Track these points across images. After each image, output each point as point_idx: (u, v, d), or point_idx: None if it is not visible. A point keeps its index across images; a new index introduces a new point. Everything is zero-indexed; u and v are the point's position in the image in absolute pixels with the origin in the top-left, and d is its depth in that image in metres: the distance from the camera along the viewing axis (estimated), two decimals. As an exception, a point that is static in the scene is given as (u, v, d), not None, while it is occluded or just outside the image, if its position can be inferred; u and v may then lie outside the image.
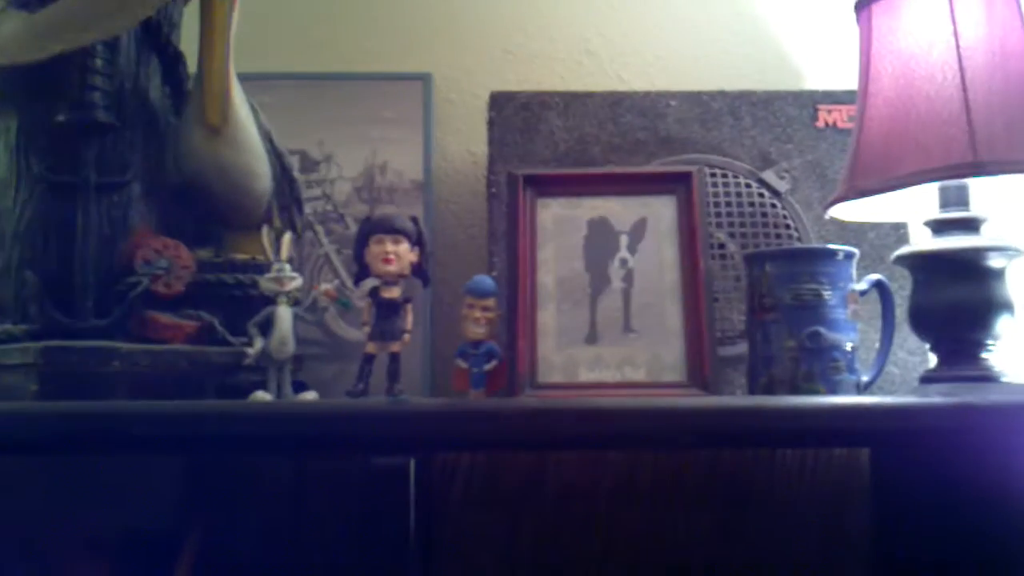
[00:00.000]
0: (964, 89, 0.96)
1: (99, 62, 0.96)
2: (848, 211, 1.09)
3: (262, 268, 1.01)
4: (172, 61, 1.06)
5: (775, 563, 0.84)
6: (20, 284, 0.94)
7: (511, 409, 0.87)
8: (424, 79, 1.39)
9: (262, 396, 0.93)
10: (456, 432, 0.85)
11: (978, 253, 0.96)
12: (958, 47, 0.98)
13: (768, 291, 0.99)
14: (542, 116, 1.30)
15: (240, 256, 1.05)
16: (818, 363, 0.96)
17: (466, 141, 1.42)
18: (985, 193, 1.05)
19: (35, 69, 0.93)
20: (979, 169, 0.93)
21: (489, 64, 1.44)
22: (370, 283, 0.98)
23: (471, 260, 1.33)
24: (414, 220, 1.00)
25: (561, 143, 1.29)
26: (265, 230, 1.01)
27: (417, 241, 0.99)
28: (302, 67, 1.40)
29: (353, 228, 1.30)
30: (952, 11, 1.00)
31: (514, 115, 1.30)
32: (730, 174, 1.26)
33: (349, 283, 1.17)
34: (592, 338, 1.01)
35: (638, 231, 1.06)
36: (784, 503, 0.84)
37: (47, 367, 0.89)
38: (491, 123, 1.29)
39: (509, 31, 1.45)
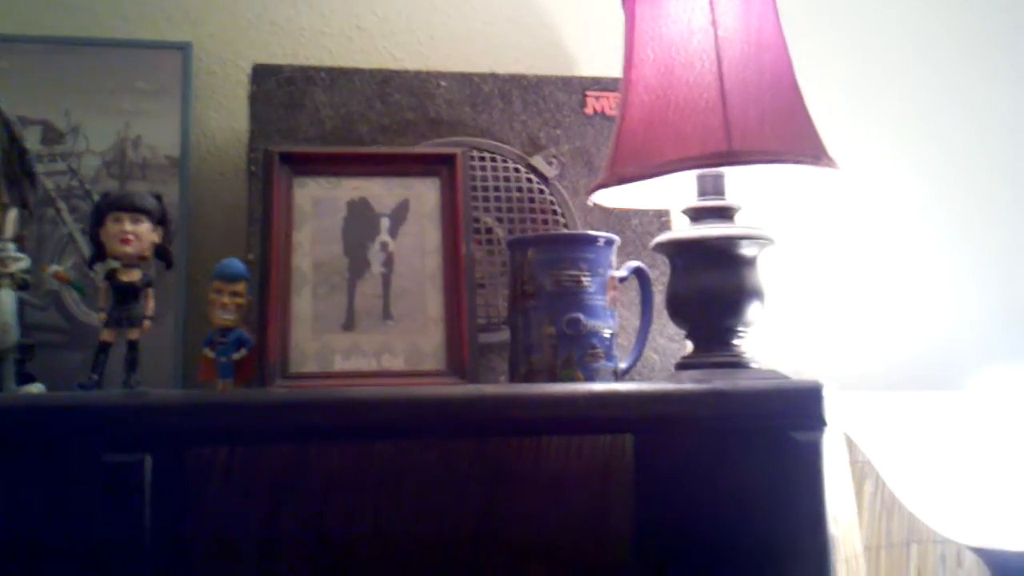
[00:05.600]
0: (721, 79, 0.98)
1: None
2: (611, 198, 1.09)
3: (-19, 247, 0.91)
4: None
5: (540, 542, 0.83)
6: None
7: (257, 401, 0.82)
8: (183, 48, 1.30)
9: (-23, 388, 0.84)
10: (199, 426, 0.80)
11: (731, 241, 0.97)
12: (716, 37, 0.99)
13: (529, 277, 0.97)
14: (307, 91, 1.24)
15: (-45, 234, 0.94)
16: (577, 350, 0.96)
17: (228, 116, 1.34)
18: (741, 182, 1.07)
19: None
20: (733, 158, 0.95)
21: (254, 36, 1.37)
22: (107, 265, 0.90)
23: (230, 242, 1.26)
24: (157, 197, 0.93)
25: (327, 120, 1.23)
26: (-6, 205, 0.92)
27: (160, 220, 0.93)
28: (49, 30, 1.28)
29: (82, 206, 1.20)
30: (711, 1, 1.01)
31: (277, 89, 1.23)
32: (499, 158, 1.24)
33: (76, 265, 1.09)
34: (349, 325, 0.97)
35: (400, 214, 1.02)
36: (551, 487, 0.83)
37: None
38: (253, 97, 1.23)
39: (276, 2, 1.38)
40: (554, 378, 0.95)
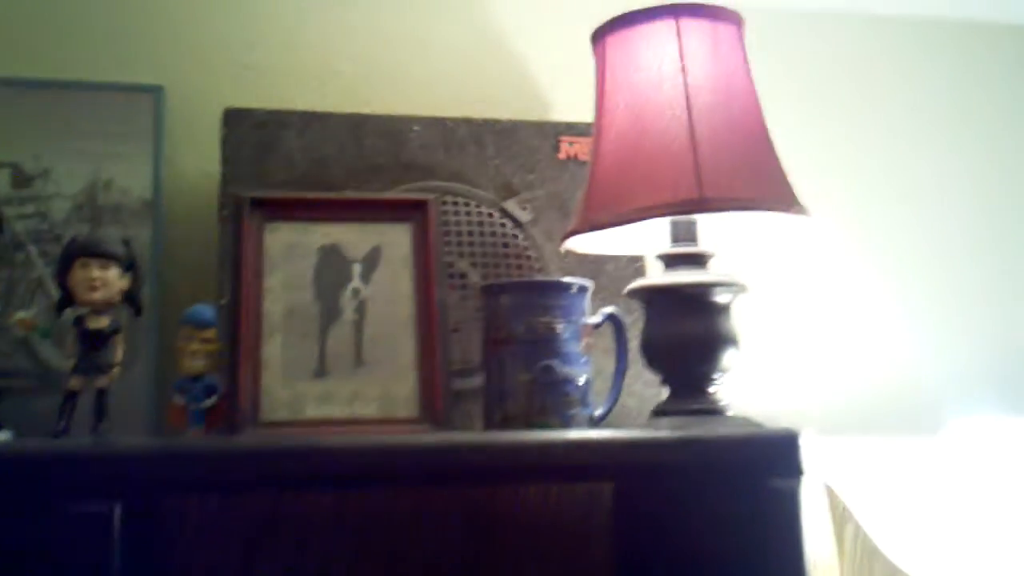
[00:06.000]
0: (691, 126, 0.98)
1: None
2: (584, 243, 1.09)
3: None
4: None
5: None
6: None
7: (228, 449, 0.81)
8: (155, 92, 1.30)
9: (-61, 438, 0.82)
10: (169, 474, 0.78)
11: (705, 288, 0.97)
12: (686, 85, 1.00)
13: (503, 323, 0.97)
14: (279, 135, 1.24)
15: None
16: (551, 397, 0.95)
17: (201, 159, 1.32)
18: (714, 229, 1.08)
19: None
20: (705, 205, 0.95)
21: (226, 79, 1.36)
22: (74, 312, 0.89)
23: (203, 286, 1.25)
24: (126, 243, 0.92)
25: (299, 164, 1.23)
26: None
27: (129, 266, 0.92)
28: (17, 71, 1.27)
29: (52, 250, 1.18)
30: (680, 49, 1.02)
31: (249, 133, 1.23)
32: (472, 203, 1.24)
33: (42, 311, 1.07)
34: (321, 372, 0.96)
35: (372, 260, 1.02)
36: (528, 535, 0.82)
37: None
38: (224, 141, 1.22)
39: (248, 46, 1.37)
40: (529, 425, 0.95)
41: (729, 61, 1.02)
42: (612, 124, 1.04)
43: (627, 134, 1.01)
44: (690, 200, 0.95)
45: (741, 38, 1.06)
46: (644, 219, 0.97)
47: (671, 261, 1.01)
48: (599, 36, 1.08)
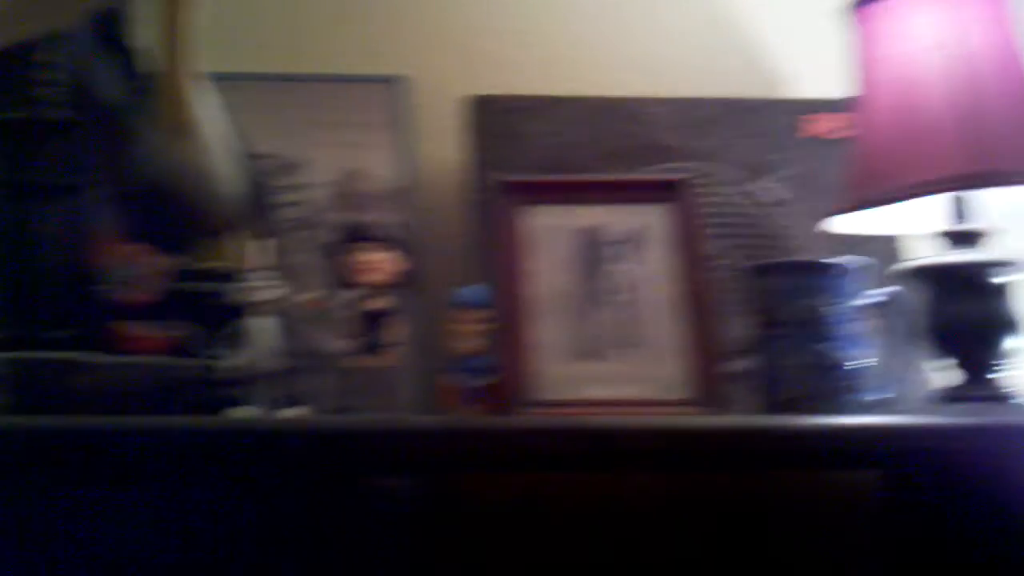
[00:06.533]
0: (972, 96, 0.93)
1: (46, 57, 0.90)
2: (847, 223, 1.05)
3: (237, 277, 0.95)
4: (130, 57, 1.00)
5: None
6: (-19, 293, 0.87)
7: (514, 428, 0.82)
8: (400, 82, 1.34)
9: (242, 412, 0.87)
10: (452, 451, 0.80)
11: (992, 268, 0.93)
12: (963, 52, 0.95)
13: (775, 306, 0.95)
14: (524, 121, 1.25)
15: (212, 264, 0.98)
16: (824, 381, 0.92)
17: (446, 147, 1.36)
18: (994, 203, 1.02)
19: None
20: (993, 179, 0.91)
21: (467, 67, 1.39)
22: (352, 293, 0.93)
23: (449, 271, 1.28)
24: (400, 227, 0.95)
25: (543, 150, 1.24)
26: (240, 237, 0.95)
27: (403, 249, 0.94)
28: (273, 67, 1.34)
29: (328, 236, 1.24)
30: (954, 15, 0.97)
31: (495, 120, 1.25)
32: (719, 183, 1.22)
33: (323, 293, 1.11)
34: (587, 353, 0.96)
35: (632, 241, 1.01)
36: (791, 525, 0.81)
37: (15, 379, 0.83)
38: (471, 128, 1.24)
39: (488, 34, 1.40)
40: (801, 410, 0.92)
41: (1009, 25, 0.97)
42: (878, 98, 1.00)
43: (897, 107, 0.97)
44: (977, 173, 0.90)
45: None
46: (923, 195, 0.93)
47: (954, 239, 0.96)
48: (860, 6, 1.04)
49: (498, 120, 1.25)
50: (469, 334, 0.93)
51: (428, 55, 1.39)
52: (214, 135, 0.98)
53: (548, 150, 1.23)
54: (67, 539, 0.81)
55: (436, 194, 1.33)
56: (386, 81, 1.33)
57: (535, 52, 1.40)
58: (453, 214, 1.30)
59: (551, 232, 1.01)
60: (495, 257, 1.00)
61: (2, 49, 0.84)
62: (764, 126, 1.27)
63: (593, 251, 1.01)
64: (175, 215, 0.97)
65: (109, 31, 0.95)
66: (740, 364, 1.08)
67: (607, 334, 0.97)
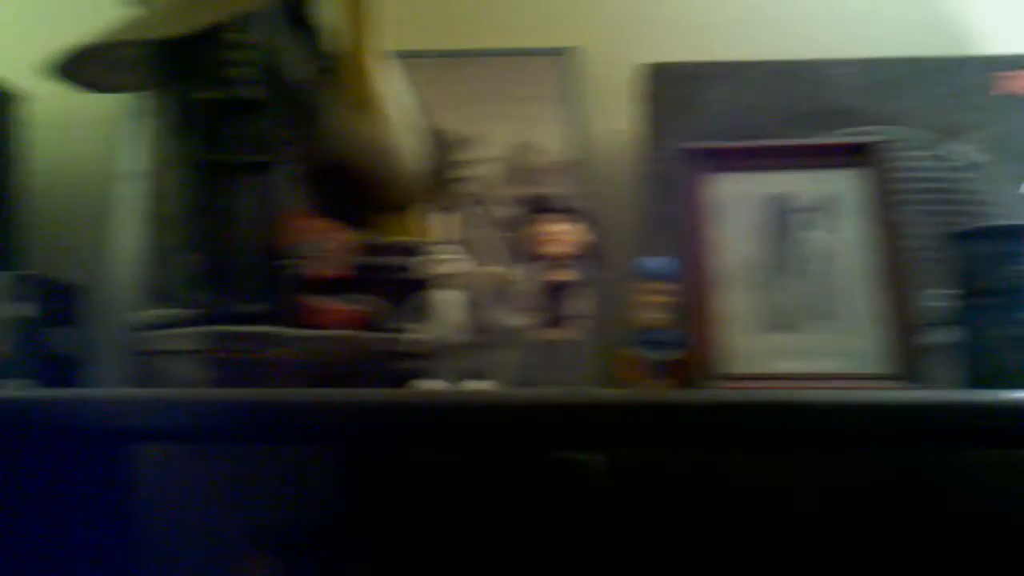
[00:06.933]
0: None
1: (243, 36, 0.92)
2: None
3: (421, 251, 0.96)
4: (315, 36, 1.02)
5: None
6: (181, 268, 0.90)
7: (705, 402, 0.80)
8: (568, 53, 1.33)
9: (428, 385, 0.88)
10: (640, 425, 0.79)
11: None
12: None
13: (978, 273, 0.89)
14: (701, 88, 1.21)
15: (398, 239, 1.00)
16: (1036, 353, 0.87)
17: (616, 118, 1.34)
18: None
19: (182, 45, 0.89)
20: None
21: (636, 36, 1.37)
22: (535, 266, 0.92)
23: (623, 242, 1.26)
24: (582, 198, 0.94)
25: (722, 116, 1.20)
26: (425, 211, 0.96)
27: (586, 221, 0.93)
28: (442, 44, 1.34)
29: (500, 210, 1.24)
30: None
31: (669, 88, 1.22)
32: (908, 147, 1.16)
33: (505, 266, 1.11)
34: (779, 325, 0.93)
35: (823, 208, 0.97)
36: (980, 504, 0.76)
37: (213, 353, 0.86)
38: (646, 96, 1.21)
39: (659, 2, 1.37)
40: (1013, 385, 0.86)
41: None
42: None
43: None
44: None
45: None
46: None
47: None
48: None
49: (674, 88, 1.22)
50: (653, 306, 0.91)
51: (599, 25, 1.37)
52: (398, 111, 0.99)
53: (727, 117, 1.20)
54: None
55: (610, 165, 1.31)
56: (557, 53, 1.33)
57: (709, 17, 1.37)
58: (627, 185, 1.28)
59: (737, 200, 0.98)
60: (680, 227, 0.98)
61: (199, 31, 0.86)
62: (955, 85, 1.20)
63: (781, 219, 0.97)
64: (361, 190, 0.99)
65: (296, 10, 0.97)
66: (939, 336, 1.02)
67: (799, 305, 0.93)
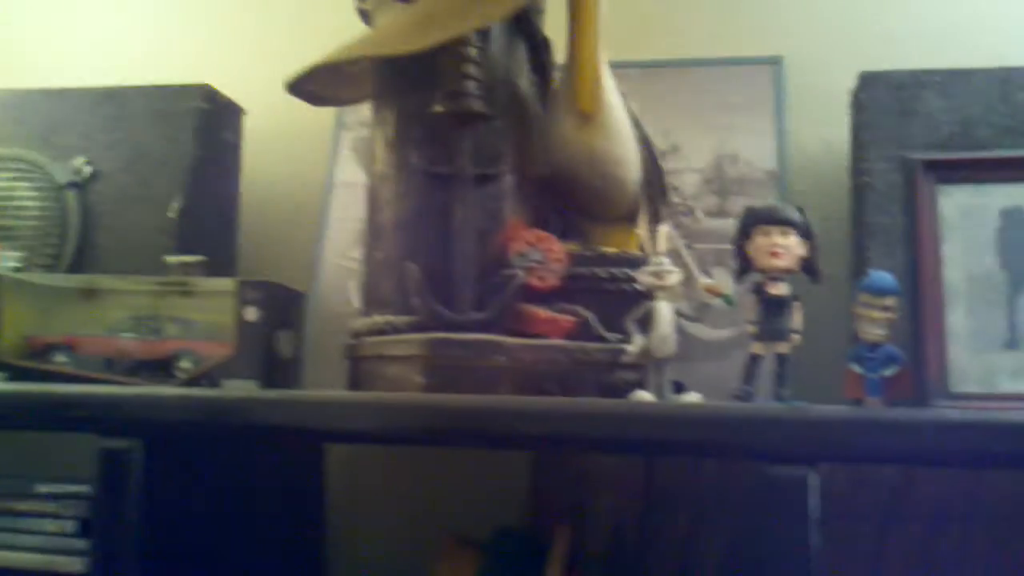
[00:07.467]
0: None
1: (474, 51, 0.94)
2: None
3: (635, 262, 0.96)
4: (539, 49, 1.04)
5: None
6: (401, 275, 0.93)
7: (927, 421, 0.77)
8: (775, 63, 1.31)
9: (644, 396, 0.88)
10: (857, 443, 0.77)
11: None
12: None
13: None
14: (918, 97, 1.17)
15: (611, 249, 1.00)
16: None
17: (821, 128, 1.31)
18: None
19: (411, 60, 0.92)
20: None
21: (845, 45, 1.33)
22: (753, 278, 0.90)
23: (832, 255, 1.22)
24: (801, 211, 0.92)
25: (942, 126, 1.15)
26: (642, 222, 0.96)
27: (805, 233, 0.91)
28: (644, 55, 1.34)
29: (703, 221, 1.23)
30: None
31: (885, 97, 1.17)
32: None
33: (705, 279, 1.11)
34: (1013, 343, 0.89)
35: (1061, 222, 0.92)
36: None
37: (432, 360, 0.88)
38: (860, 106, 1.18)
39: (870, 11, 1.33)
40: None
41: None
42: None
43: None
44: None
45: None
46: None
47: None
48: None
49: (888, 97, 1.17)
50: (877, 320, 0.88)
51: (803, 35, 1.34)
52: (619, 120, 0.99)
53: (946, 127, 1.15)
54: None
55: (812, 176, 1.28)
56: (760, 63, 1.31)
57: (922, 25, 1.32)
58: (828, 197, 1.25)
59: (971, 213, 0.94)
60: (908, 240, 0.95)
61: (440, 45, 0.88)
62: None
63: (1018, 233, 0.92)
64: (581, 201, 1.00)
65: (522, 22, 0.99)
66: None
67: (1033, 324, 0.89)
